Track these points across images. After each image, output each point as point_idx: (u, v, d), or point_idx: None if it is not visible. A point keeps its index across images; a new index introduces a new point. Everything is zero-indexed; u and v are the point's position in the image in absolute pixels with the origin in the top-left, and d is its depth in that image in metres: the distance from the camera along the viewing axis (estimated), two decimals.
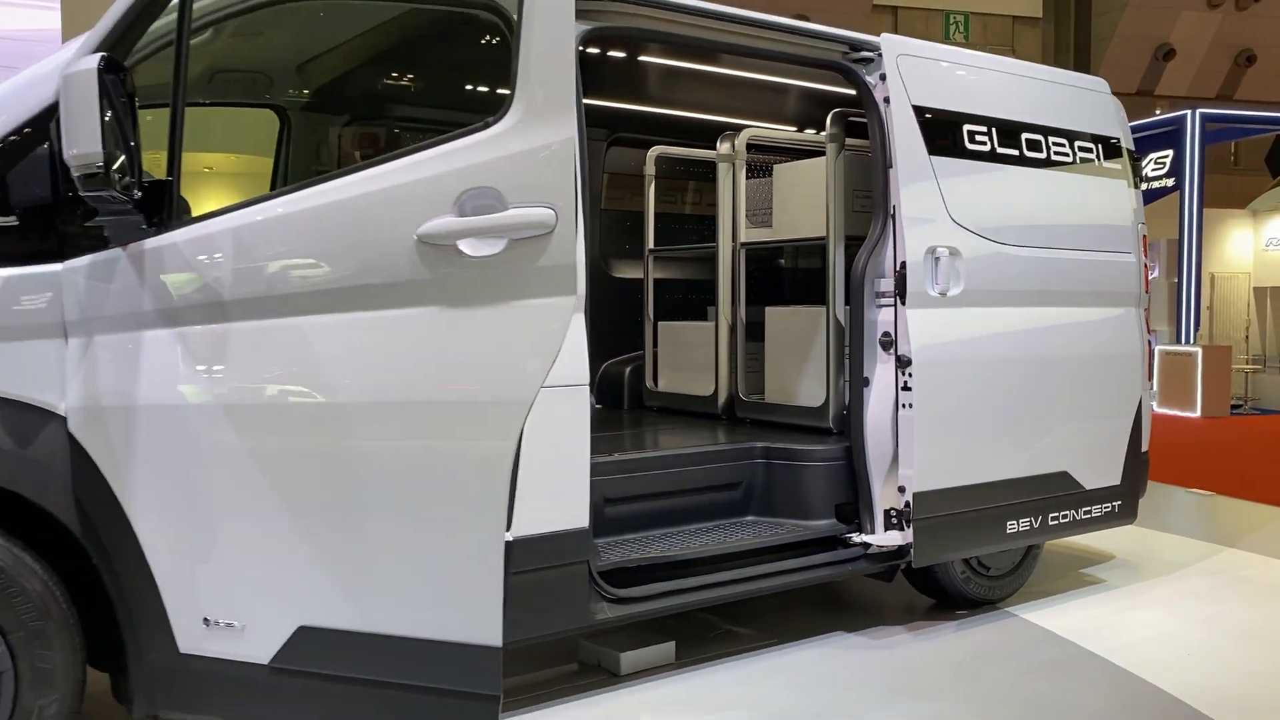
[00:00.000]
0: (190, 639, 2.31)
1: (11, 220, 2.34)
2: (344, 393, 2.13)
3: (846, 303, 4.08)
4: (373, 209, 2.10)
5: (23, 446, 2.32)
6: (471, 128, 2.04)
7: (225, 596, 2.27)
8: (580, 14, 3.00)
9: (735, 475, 3.90)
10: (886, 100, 3.78)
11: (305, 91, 3.88)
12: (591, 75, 4.01)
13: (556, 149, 1.95)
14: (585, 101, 2.66)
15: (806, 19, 16.19)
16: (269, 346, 2.18)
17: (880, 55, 3.83)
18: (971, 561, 4.17)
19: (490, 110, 2.05)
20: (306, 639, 2.22)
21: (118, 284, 2.32)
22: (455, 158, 2.04)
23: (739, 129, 4.74)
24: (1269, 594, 4.52)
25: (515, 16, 2.01)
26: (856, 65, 3.89)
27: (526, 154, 1.98)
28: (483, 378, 2.03)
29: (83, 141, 2.07)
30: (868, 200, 4.26)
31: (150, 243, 2.28)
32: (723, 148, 4.74)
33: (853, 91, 3.98)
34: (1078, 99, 4.44)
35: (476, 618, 2.08)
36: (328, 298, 2.14)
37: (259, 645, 2.26)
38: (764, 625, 4.05)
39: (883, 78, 3.81)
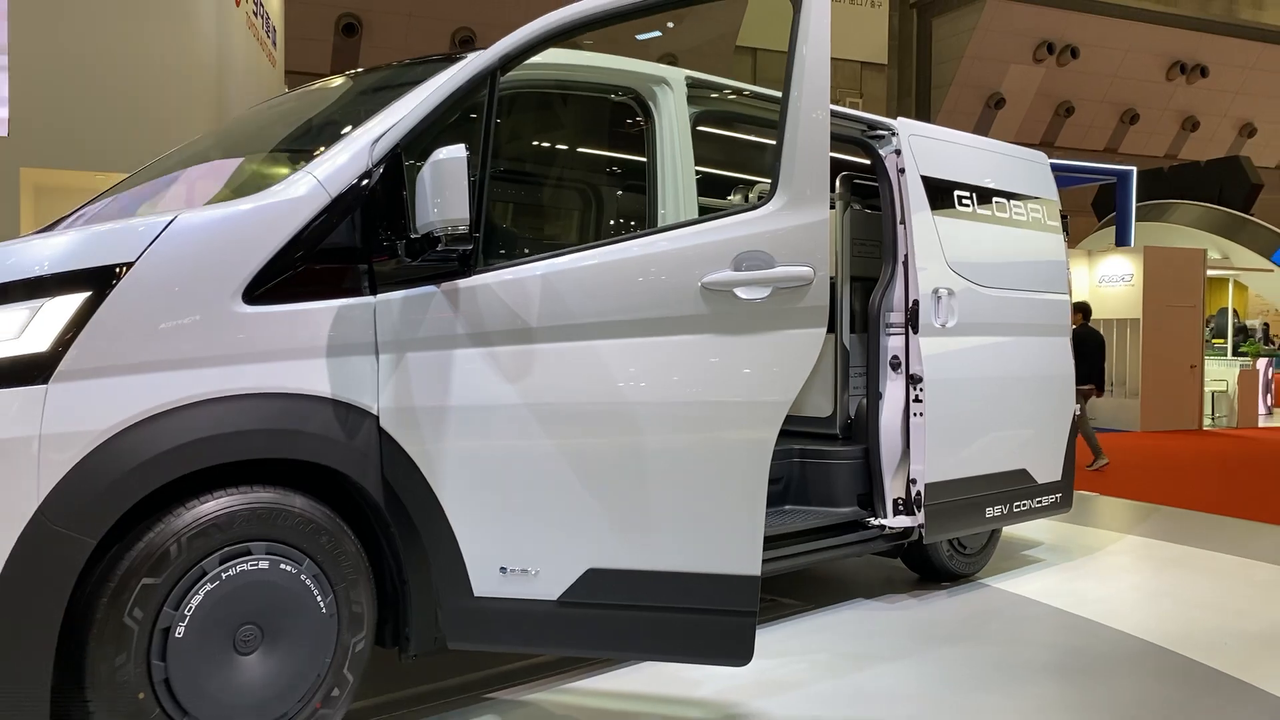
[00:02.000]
0: (485, 585, 3.01)
1: (339, 264, 3.01)
2: (633, 395, 2.88)
3: (852, 331, 5.01)
4: (666, 263, 2.86)
5: (349, 438, 2.99)
6: (747, 208, 2.84)
7: (521, 549, 2.97)
8: (691, 99, 3.87)
9: (778, 472, 4.76)
10: (901, 171, 4.73)
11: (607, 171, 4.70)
12: None
13: (814, 227, 2.76)
14: None
15: (674, 59, 17.56)
16: (569, 362, 2.91)
17: (895, 134, 4.78)
18: (954, 542, 5.15)
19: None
20: (593, 578, 2.95)
21: (431, 313, 3.02)
22: (734, 229, 2.83)
23: (753, 184, 5.63)
24: (1173, 566, 5.67)
25: (781, 131, 2.81)
26: (872, 140, 4.83)
27: (791, 229, 2.78)
28: (751, 385, 2.81)
29: (454, 210, 2.78)
30: (864, 247, 5.22)
31: (463, 282, 3.00)
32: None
33: (851, 158, 4.91)
34: (1027, 169, 5.51)
35: (742, 555, 2.85)
36: (622, 327, 2.88)
37: (549, 586, 2.98)
38: (801, 595, 4.92)
39: (897, 152, 4.75)
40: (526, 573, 2.99)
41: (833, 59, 13.07)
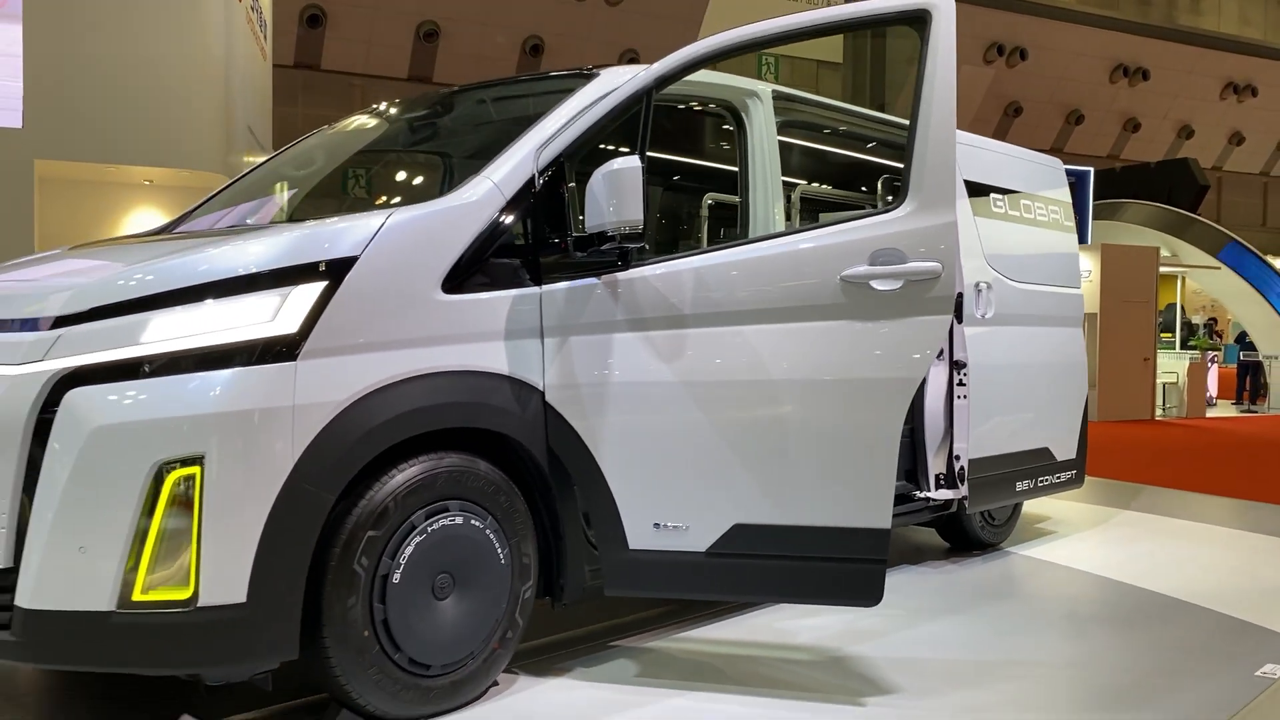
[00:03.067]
0: (640, 539, 3.43)
1: (512, 259, 3.42)
2: (776, 372, 3.30)
3: None
4: (810, 258, 3.29)
5: (522, 410, 3.41)
6: (881, 210, 3.29)
7: (673, 507, 3.39)
8: (777, 110, 4.31)
9: None
10: None
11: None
12: None
13: (942, 228, 3.21)
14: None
15: (636, 57, 18.02)
16: (719, 344, 3.32)
17: None
18: (985, 513, 5.67)
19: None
20: (739, 532, 3.37)
21: (593, 301, 3.44)
22: (871, 229, 3.26)
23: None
24: (1175, 536, 6.26)
25: (911, 143, 3.27)
26: None
27: (921, 229, 3.22)
28: (884, 363, 3.24)
29: (631, 212, 3.20)
30: None
31: (622, 275, 3.41)
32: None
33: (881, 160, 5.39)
34: (1045, 173, 6.04)
35: (874, 510, 3.29)
36: (768, 314, 3.30)
37: (699, 539, 3.40)
38: None
39: None
40: (678, 528, 3.42)
41: (787, 57, 13.79)
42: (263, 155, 13.20)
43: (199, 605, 2.78)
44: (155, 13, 10.13)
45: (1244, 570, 5.40)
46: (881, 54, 29.18)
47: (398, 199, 4.15)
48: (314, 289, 2.98)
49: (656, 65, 3.47)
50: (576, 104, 3.69)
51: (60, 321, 2.91)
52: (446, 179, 4.03)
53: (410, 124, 4.62)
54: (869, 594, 3.32)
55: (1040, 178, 5.93)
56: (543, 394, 3.43)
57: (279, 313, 2.93)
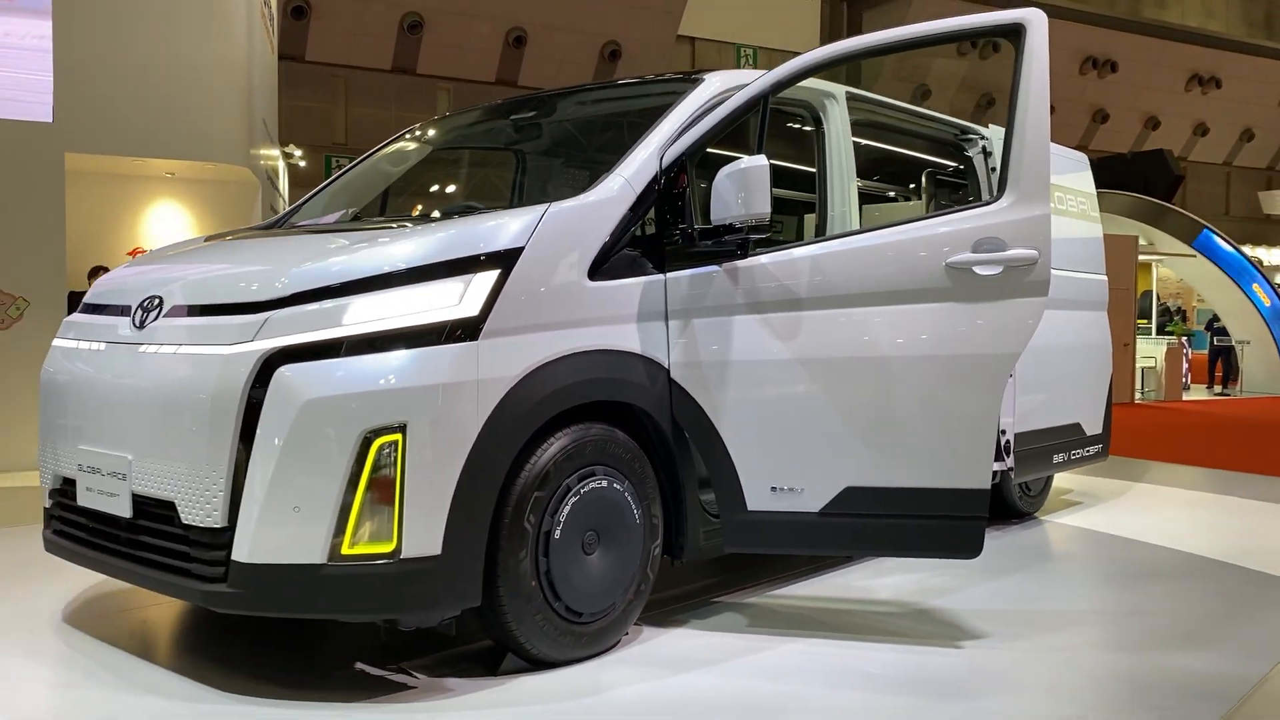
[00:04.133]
0: (758, 501, 3.80)
1: (642, 248, 3.77)
2: (886, 349, 3.66)
3: None
4: (917, 246, 3.66)
5: (652, 385, 3.77)
6: (983, 204, 3.67)
7: (789, 472, 3.76)
8: (851, 110, 4.69)
9: None
10: (993, 169, 5.61)
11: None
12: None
13: (1038, 219, 3.59)
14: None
15: (619, 48, 18.37)
16: (833, 324, 3.68)
17: (984, 138, 5.66)
18: (1023, 484, 6.09)
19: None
20: (850, 494, 3.73)
21: (714, 287, 3.80)
22: (973, 220, 3.63)
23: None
24: (1194, 505, 6.75)
25: (1008, 141, 3.64)
26: (964, 143, 5.71)
27: (1019, 220, 3.59)
28: (985, 341, 3.61)
29: (759, 206, 3.57)
30: None
31: (742, 263, 3.78)
32: None
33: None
34: (1074, 165, 6.46)
35: (976, 472, 3.66)
36: (878, 297, 3.67)
37: (812, 500, 3.77)
38: None
39: (983, 152, 5.63)
40: (793, 490, 3.79)
41: (764, 48, 14.48)
42: (274, 148, 13.41)
43: (402, 557, 3.12)
44: (181, 6, 10.36)
45: (1262, 533, 5.87)
46: None
47: (527, 198, 4.47)
48: (490, 276, 3.33)
49: (773, 73, 3.83)
50: (690, 106, 4.05)
51: (266, 306, 3.24)
52: (567, 178, 4.37)
53: (516, 126, 4.95)
54: (970, 548, 3.71)
55: (1069, 170, 6.35)
56: (668, 371, 3.79)
57: (463, 297, 3.27)
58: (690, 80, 4.27)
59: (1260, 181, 35.71)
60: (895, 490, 3.73)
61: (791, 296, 3.76)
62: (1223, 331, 19.04)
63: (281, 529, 3.11)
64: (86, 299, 4.02)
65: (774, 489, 3.80)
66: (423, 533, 3.15)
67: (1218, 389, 19.07)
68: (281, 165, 15.65)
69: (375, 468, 3.11)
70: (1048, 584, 4.71)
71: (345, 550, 3.12)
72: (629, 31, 25.76)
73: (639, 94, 4.56)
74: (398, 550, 3.12)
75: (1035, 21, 3.63)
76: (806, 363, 3.75)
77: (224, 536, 3.17)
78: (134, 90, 10.17)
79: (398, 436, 3.12)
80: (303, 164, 21.78)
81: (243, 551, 3.13)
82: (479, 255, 3.35)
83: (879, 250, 3.74)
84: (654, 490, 3.79)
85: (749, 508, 3.82)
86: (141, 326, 3.53)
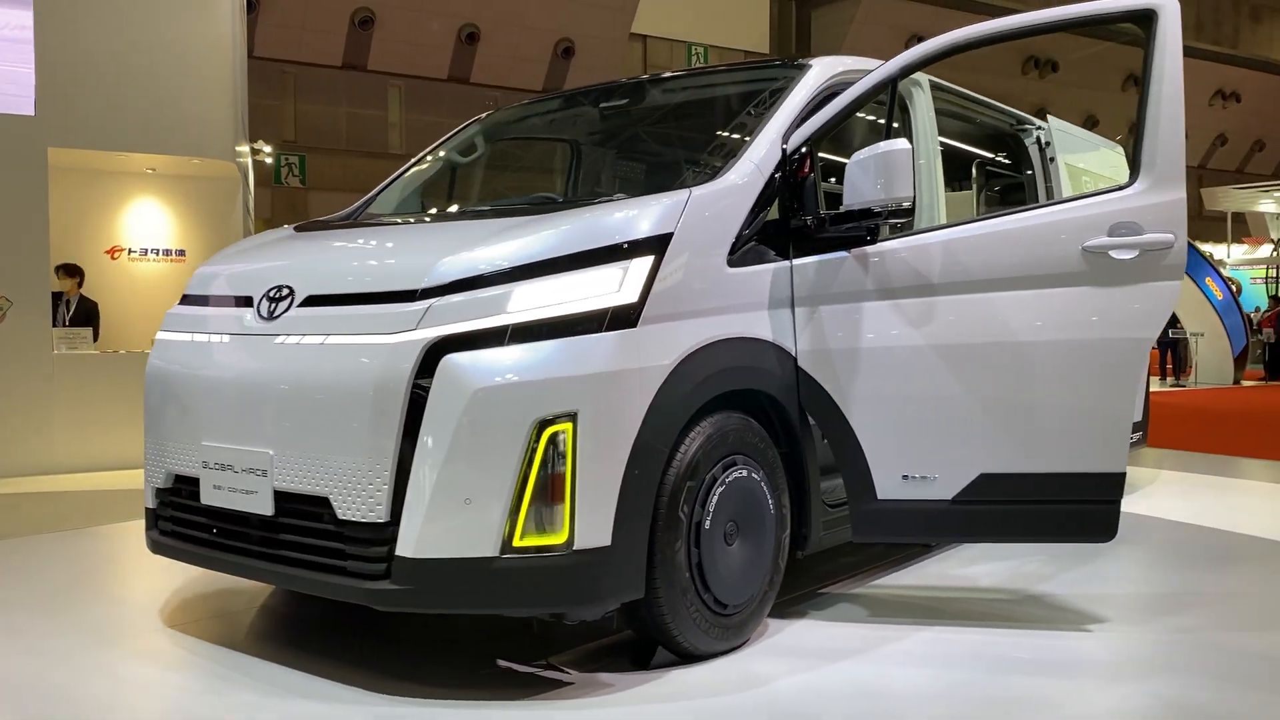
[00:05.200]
0: (888, 490, 3.76)
1: (771, 235, 3.73)
2: (1021, 334, 3.65)
3: None
4: (1054, 230, 3.65)
5: (782, 373, 3.72)
6: (1117, 188, 3.67)
7: (921, 460, 3.73)
8: (935, 98, 4.69)
9: None
10: (1052, 159, 5.66)
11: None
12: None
13: (1174, 203, 3.60)
14: None
15: (572, 45, 18.40)
16: (966, 310, 3.66)
17: (1040, 127, 5.71)
18: None
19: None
20: (984, 480, 3.71)
21: (842, 274, 3.76)
22: (1109, 205, 3.63)
23: None
24: (1227, 490, 6.87)
25: (1141, 127, 3.64)
26: (1019, 132, 5.75)
27: (1155, 204, 3.59)
28: (1122, 324, 3.60)
29: (901, 190, 3.53)
30: None
31: (872, 248, 3.74)
32: None
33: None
34: (1114, 156, 6.54)
35: (1112, 456, 3.66)
36: (1013, 282, 3.65)
37: (945, 488, 3.74)
38: None
39: (1044, 141, 5.68)
40: (926, 479, 3.77)
41: (715, 46, 14.65)
42: (246, 144, 13.10)
43: (574, 549, 3.04)
44: (169, 5, 10.11)
45: None
46: (807, 44, 29.94)
47: (627, 187, 4.39)
48: (646, 261, 3.26)
49: (901, 57, 3.81)
50: (804, 92, 4.02)
51: (427, 293, 3.14)
52: (672, 166, 4.29)
53: (610, 112, 4.86)
54: (1105, 531, 3.72)
55: (1109, 159, 6.43)
56: (795, 358, 3.75)
57: (623, 284, 3.20)
58: (795, 67, 4.24)
59: (1192, 179, 36.68)
60: (1030, 476, 3.72)
61: (924, 282, 3.73)
62: (1174, 323, 19.49)
63: (451, 522, 3.02)
64: (189, 291, 3.86)
65: (905, 477, 3.77)
66: (593, 523, 3.07)
67: (1170, 380, 19.51)
68: (250, 162, 15.32)
69: (545, 458, 3.03)
70: (1132, 568, 4.75)
71: (516, 542, 3.03)
72: (582, 28, 25.67)
73: (735, 81, 4.50)
74: (569, 541, 3.04)
75: (1168, 7, 3.65)
76: (940, 349, 3.72)
77: (387, 532, 3.07)
78: (118, 83, 9.88)
79: (568, 425, 3.04)
80: (269, 161, 21.36)
81: (408, 546, 3.03)
82: (635, 240, 3.28)
83: (1014, 235, 3.73)
84: (783, 480, 3.75)
85: (879, 496, 3.78)
86: (271, 317, 3.40)
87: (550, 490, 3.03)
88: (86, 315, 10.18)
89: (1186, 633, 3.80)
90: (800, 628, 3.83)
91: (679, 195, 3.45)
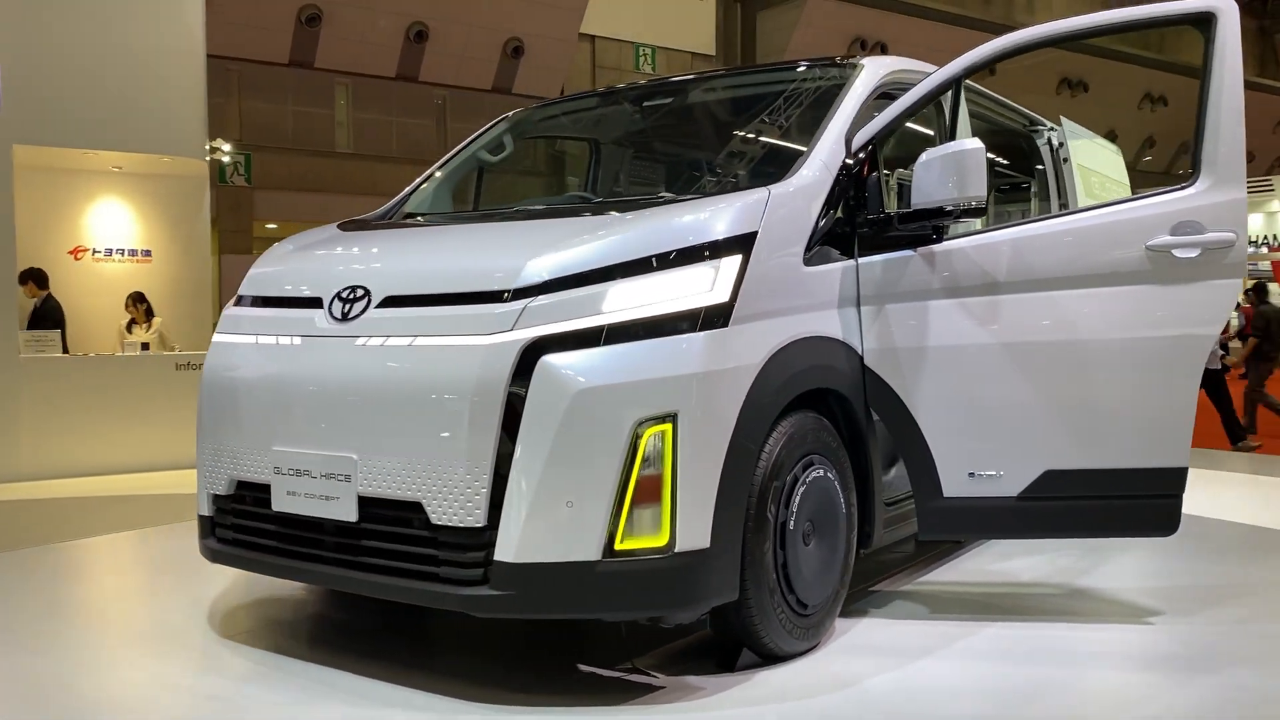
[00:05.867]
0: (954, 487, 3.78)
1: (839, 233, 3.72)
2: (1086, 332, 3.67)
3: None
4: (1118, 230, 3.68)
5: (851, 371, 3.73)
6: (1179, 188, 3.72)
7: (987, 458, 3.75)
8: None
9: None
10: (1065, 160, 5.74)
11: None
12: None
13: (1234, 203, 3.66)
14: None
15: (521, 44, 18.40)
16: (1031, 308, 3.69)
17: (1054, 129, 5.78)
18: None
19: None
20: (1049, 477, 3.73)
21: (909, 272, 3.77)
22: (1171, 204, 3.67)
23: None
24: (1241, 485, 7.02)
25: (1201, 127, 3.70)
26: (1031, 132, 5.82)
27: (1216, 204, 3.65)
28: (1184, 321, 3.62)
29: (974, 189, 3.55)
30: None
31: (938, 247, 3.75)
32: None
33: None
34: (1111, 156, 6.65)
35: (1175, 451, 3.71)
36: (1076, 280, 3.67)
37: (1010, 485, 3.76)
38: None
39: (1057, 143, 5.76)
40: (992, 476, 3.79)
41: (662, 48, 14.83)
42: (206, 142, 12.81)
43: (675, 551, 3.01)
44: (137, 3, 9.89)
45: None
46: (753, 46, 30.10)
47: (681, 186, 4.35)
48: (735, 260, 3.24)
49: (965, 57, 3.83)
50: (861, 91, 4.02)
51: (521, 294, 3.08)
52: (728, 165, 4.27)
53: (657, 111, 4.82)
54: (1167, 525, 3.77)
55: (1112, 161, 6.53)
56: (861, 357, 3.75)
57: (715, 283, 3.17)
58: (845, 66, 4.24)
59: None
60: (1095, 472, 3.76)
61: (989, 280, 3.75)
62: None
63: (552, 525, 2.97)
64: (244, 292, 3.75)
65: (971, 475, 3.79)
66: (693, 525, 3.04)
67: None
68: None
69: (645, 459, 2.99)
70: (1164, 561, 4.82)
71: (618, 545, 2.99)
72: (531, 28, 25.54)
73: (784, 80, 4.49)
74: (670, 544, 3.01)
75: (1226, 10, 3.71)
76: (1005, 347, 3.75)
77: (484, 536, 3.01)
78: (87, 80, 9.63)
79: (668, 426, 3.01)
80: (225, 159, 20.94)
81: (508, 551, 2.98)
82: (723, 239, 3.26)
83: (1078, 233, 3.77)
84: (851, 479, 3.75)
85: (945, 494, 3.80)
86: (346, 318, 3.32)
87: (649, 493, 3.00)
88: (54, 318, 9.88)
89: (1242, 624, 3.87)
90: (866, 626, 3.83)
91: (759, 194, 3.43)
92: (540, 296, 3.08)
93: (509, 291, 3.10)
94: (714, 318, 3.13)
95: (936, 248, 3.77)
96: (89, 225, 10.94)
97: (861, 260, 3.77)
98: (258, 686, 3.25)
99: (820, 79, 4.27)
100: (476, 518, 3.00)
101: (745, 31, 30.53)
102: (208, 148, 11.12)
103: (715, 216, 3.30)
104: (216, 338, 3.70)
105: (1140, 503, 3.77)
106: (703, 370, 3.06)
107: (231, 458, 3.51)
